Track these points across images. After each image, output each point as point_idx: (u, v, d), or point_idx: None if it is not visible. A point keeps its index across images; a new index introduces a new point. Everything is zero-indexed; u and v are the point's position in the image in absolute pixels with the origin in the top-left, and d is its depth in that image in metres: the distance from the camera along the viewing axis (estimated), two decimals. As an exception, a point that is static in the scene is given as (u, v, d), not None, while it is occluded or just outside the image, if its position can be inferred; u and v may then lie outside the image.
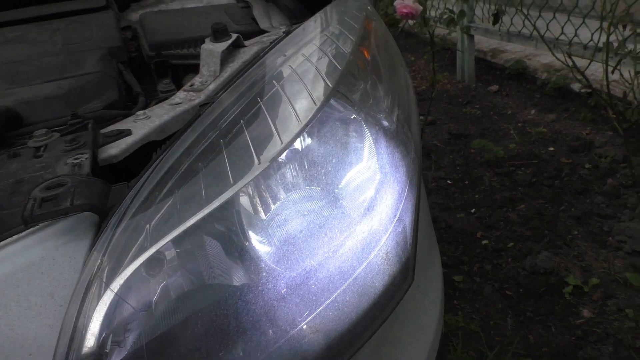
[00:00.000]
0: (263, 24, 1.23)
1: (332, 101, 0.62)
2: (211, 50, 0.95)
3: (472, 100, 3.36)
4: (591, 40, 2.35)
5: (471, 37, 3.43)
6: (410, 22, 2.26)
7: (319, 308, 0.50)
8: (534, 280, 1.83)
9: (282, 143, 0.55)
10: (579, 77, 2.01)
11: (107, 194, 0.56)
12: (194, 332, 0.45)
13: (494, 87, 3.45)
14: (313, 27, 0.88)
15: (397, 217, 0.60)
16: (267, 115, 0.60)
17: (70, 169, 0.62)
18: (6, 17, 1.28)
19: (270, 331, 0.47)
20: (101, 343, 0.44)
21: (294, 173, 0.54)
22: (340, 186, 0.55)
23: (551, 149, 2.63)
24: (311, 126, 0.57)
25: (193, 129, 0.66)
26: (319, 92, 0.63)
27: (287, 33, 0.91)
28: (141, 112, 0.85)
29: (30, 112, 0.85)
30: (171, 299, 0.46)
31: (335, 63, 0.70)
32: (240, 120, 0.61)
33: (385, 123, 0.66)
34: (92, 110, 0.86)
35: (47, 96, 0.87)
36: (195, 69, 1.10)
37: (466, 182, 2.48)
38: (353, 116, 0.62)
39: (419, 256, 0.83)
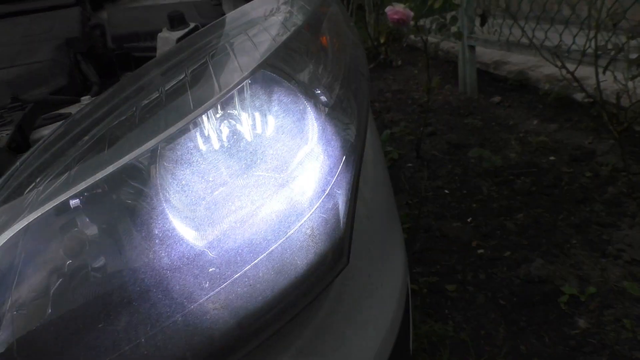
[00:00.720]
0: None
1: (262, 72, 0.58)
2: (166, 38, 0.93)
3: (473, 112, 3.32)
4: (588, 46, 2.30)
5: (472, 48, 3.40)
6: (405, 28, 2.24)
7: (224, 283, 0.46)
8: (529, 289, 1.76)
9: (193, 108, 0.51)
10: (575, 84, 1.96)
11: (8, 164, 0.53)
12: (70, 300, 0.41)
13: (497, 99, 3.40)
14: (262, 9, 0.85)
15: (327, 192, 0.55)
16: (189, 89, 0.57)
17: None
18: None
19: (162, 304, 0.43)
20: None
21: (205, 138, 0.50)
22: (255, 154, 0.51)
23: (552, 158, 2.57)
24: (231, 93, 0.54)
25: (110, 100, 0.63)
26: (252, 66, 0.60)
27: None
28: (86, 97, 0.82)
29: None
30: (52, 269, 0.42)
31: (275, 41, 0.67)
32: (160, 92, 0.58)
33: (323, 98, 0.63)
34: (37, 95, 0.83)
35: None
36: None
37: (464, 192, 2.43)
38: (283, 86, 0.58)
39: (374, 243, 0.79)
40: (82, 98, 0.83)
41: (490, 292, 1.80)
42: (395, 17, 2.10)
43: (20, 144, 0.63)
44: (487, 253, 2.01)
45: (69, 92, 0.88)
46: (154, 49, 1.08)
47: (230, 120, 0.53)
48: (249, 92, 0.56)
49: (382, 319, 0.75)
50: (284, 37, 0.70)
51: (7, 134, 0.62)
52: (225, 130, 0.52)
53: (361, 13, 4.63)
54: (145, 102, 0.59)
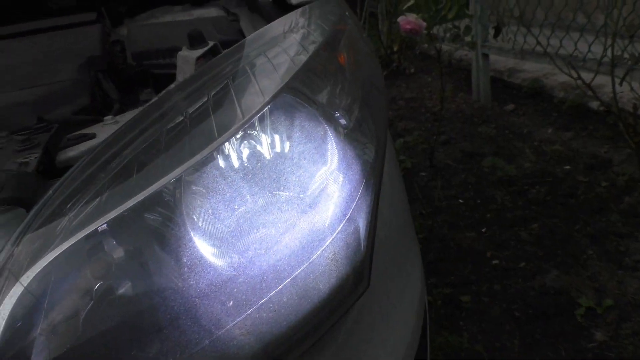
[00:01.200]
0: (249, 34, 1.22)
1: (283, 96, 0.60)
2: (186, 57, 0.95)
3: (487, 120, 3.31)
4: (604, 55, 2.29)
5: (486, 56, 3.39)
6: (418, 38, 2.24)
7: (250, 309, 0.47)
8: (544, 300, 1.75)
9: (217, 136, 0.52)
10: (590, 92, 1.95)
11: (39, 190, 0.55)
12: (100, 327, 0.42)
13: (510, 107, 3.39)
14: (282, 28, 0.86)
15: (348, 216, 0.56)
16: (212, 114, 0.58)
17: (15, 167, 0.61)
18: None
19: (191, 331, 0.44)
20: (4, 342, 0.41)
21: (229, 165, 0.51)
22: (279, 181, 0.52)
23: (567, 167, 2.56)
24: (254, 119, 0.55)
25: (136, 124, 0.64)
26: (273, 89, 0.61)
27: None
28: (109, 117, 0.84)
29: (0, 118, 0.85)
30: (83, 295, 0.43)
31: (294, 63, 0.68)
32: (185, 119, 0.59)
33: (342, 121, 0.64)
34: (61, 115, 0.85)
35: (16, 102, 0.87)
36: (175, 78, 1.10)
37: (478, 201, 2.42)
38: (305, 111, 0.59)
39: (391, 262, 0.80)
40: (105, 118, 0.84)
41: (505, 303, 1.80)
42: (408, 27, 2.11)
43: (47, 166, 0.65)
44: (501, 264, 2.00)
45: (91, 111, 0.90)
46: (173, 66, 1.10)
47: (253, 146, 0.54)
48: (270, 117, 0.57)
49: (401, 336, 0.75)
50: (303, 58, 0.71)
51: (35, 157, 0.64)
52: (248, 157, 0.53)
53: (374, 20, 4.64)
54: (170, 126, 0.60)
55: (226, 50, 0.86)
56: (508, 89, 3.66)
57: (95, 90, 0.96)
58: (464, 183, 2.59)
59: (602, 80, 2.67)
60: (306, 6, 0.95)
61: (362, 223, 0.58)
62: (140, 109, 0.90)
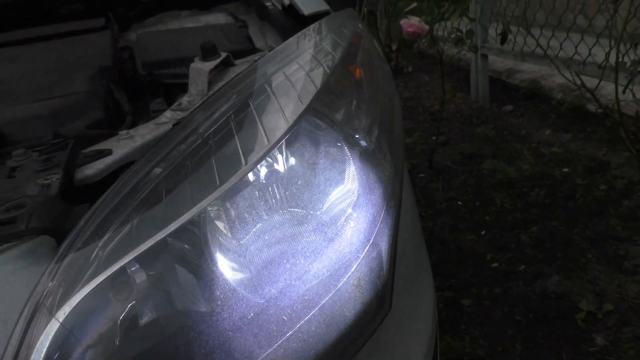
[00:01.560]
0: (258, 42, 1.22)
1: (306, 119, 0.60)
2: (199, 69, 0.95)
3: (486, 121, 3.32)
4: (606, 60, 2.31)
5: (485, 57, 3.40)
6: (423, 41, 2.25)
7: (280, 339, 0.48)
8: (545, 305, 1.77)
9: (245, 163, 0.53)
10: (589, 96, 1.96)
11: (67, 216, 0.55)
12: None
13: (509, 107, 3.40)
14: (298, 44, 0.86)
15: (371, 241, 0.57)
16: (236, 136, 0.58)
17: (38, 190, 0.61)
18: (5, 38, 1.30)
19: (225, 364, 0.45)
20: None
21: (257, 194, 0.51)
22: (306, 209, 0.53)
23: (565, 169, 2.57)
24: (280, 145, 0.55)
25: (161, 148, 0.64)
26: (294, 110, 0.62)
27: (271, 50, 0.89)
28: (124, 131, 0.84)
29: (14, 132, 0.85)
30: (119, 331, 0.44)
31: (313, 81, 0.69)
32: (209, 141, 0.60)
33: (363, 143, 0.64)
34: (75, 129, 0.85)
35: (31, 116, 0.87)
36: (187, 88, 1.09)
37: (477, 203, 2.43)
38: (327, 134, 0.60)
39: (406, 278, 0.80)
40: (120, 133, 0.84)
41: (506, 307, 1.81)
42: (411, 30, 2.12)
43: (67, 186, 0.65)
44: (502, 267, 2.02)
45: (104, 123, 0.90)
46: (184, 75, 1.09)
47: (278, 173, 0.54)
48: (295, 143, 0.58)
49: (417, 348, 0.76)
50: (321, 75, 0.71)
51: (57, 179, 0.64)
52: (275, 184, 0.53)
53: (372, 18, 4.64)
54: (195, 149, 0.60)
55: (244, 68, 0.86)
56: (506, 89, 3.68)
57: (108, 103, 0.96)
58: (463, 185, 2.60)
59: (596, 82, 2.69)
60: (320, 21, 0.95)
61: (384, 247, 0.59)
62: (153, 122, 0.90)
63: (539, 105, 3.34)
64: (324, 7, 1.17)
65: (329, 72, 0.73)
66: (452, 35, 2.19)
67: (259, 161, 0.53)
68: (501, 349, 1.64)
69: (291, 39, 0.86)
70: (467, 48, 2.08)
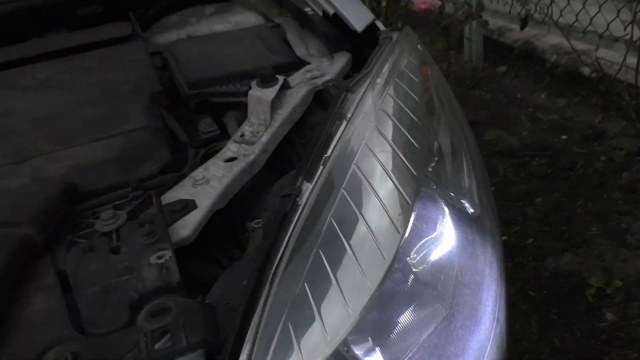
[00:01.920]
0: (299, 50, 1.19)
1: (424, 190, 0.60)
2: (259, 97, 0.92)
3: (480, 82, 3.33)
4: (607, 30, 2.32)
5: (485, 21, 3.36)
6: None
7: None
8: (557, 281, 1.85)
9: (386, 260, 0.53)
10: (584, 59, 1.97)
11: (215, 321, 0.55)
12: None
13: (502, 68, 3.40)
14: (371, 81, 0.85)
15: (496, 318, 0.59)
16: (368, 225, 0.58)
17: (157, 274, 0.60)
18: (30, 50, 1.22)
19: None
20: None
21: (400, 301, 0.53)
22: (450, 303, 0.54)
23: (564, 137, 2.63)
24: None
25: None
26: (408, 188, 0.60)
27: (337, 88, 0.87)
28: (200, 175, 0.82)
29: (84, 180, 0.82)
30: None
31: (413, 141, 0.68)
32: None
33: (471, 210, 0.65)
34: (147, 174, 0.83)
35: (98, 160, 0.84)
36: (234, 106, 1.06)
37: (481, 174, 2.48)
38: (445, 213, 0.61)
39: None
40: (194, 176, 0.82)
41: (519, 282, 1.89)
42: (423, 7, 2.08)
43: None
44: (510, 240, 2.08)
45: (171, 164, 0.86)
46: (232, 94, 1.06)
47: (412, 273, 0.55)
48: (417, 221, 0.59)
49: None
50: (418, 134, 0.70)
51: (170, 256, 0.62)
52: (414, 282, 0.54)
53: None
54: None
55: (301, 92, 0.84)
56: (499, 49, 3.66)
57: (167, 136, 0.93)
58: (465, 154, 2.64)
59: (591, 46, 2.72)
60: (384, 56, 0.92)
61: (502, 319, 0.61)
62: (221, 158, 0.88)
63: (533, 67, 3.35)
64: (370, 17, 1.14)
65: (418, 123, 0.72)
66: (462, 11, 2.17)
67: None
68: (518, 327, 1.73)
69: (360, 76, 0.84)
70: (477, 23, 2.06)
